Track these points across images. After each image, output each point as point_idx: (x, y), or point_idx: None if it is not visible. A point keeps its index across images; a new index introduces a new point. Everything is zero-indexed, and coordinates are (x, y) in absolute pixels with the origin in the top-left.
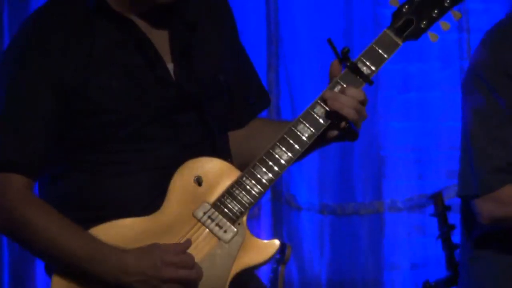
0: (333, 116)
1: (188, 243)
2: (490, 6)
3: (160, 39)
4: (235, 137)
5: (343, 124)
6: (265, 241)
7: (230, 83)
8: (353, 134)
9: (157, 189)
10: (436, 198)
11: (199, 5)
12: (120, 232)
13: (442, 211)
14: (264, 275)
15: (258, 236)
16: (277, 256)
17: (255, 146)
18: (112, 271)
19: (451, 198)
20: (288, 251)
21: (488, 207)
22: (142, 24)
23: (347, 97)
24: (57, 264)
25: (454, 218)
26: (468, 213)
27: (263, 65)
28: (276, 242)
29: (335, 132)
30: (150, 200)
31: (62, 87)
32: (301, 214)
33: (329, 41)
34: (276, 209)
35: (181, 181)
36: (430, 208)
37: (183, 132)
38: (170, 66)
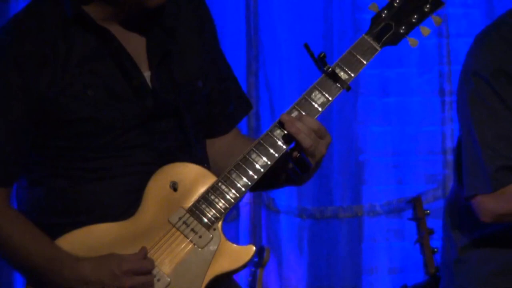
0: (289, 140)
1: (144, 250)
2: (469, 11)
3: (138, 46)
4: (215, 148)
5: (295, 153)
6: (241, 246)
7: (209, 89)
8: (305, 165)
9: (134, 195)
10: (415, 202)
11: (179, 12)
12: (95, 237)
13: (420, 216)
14: (242, 278)
15: (237, 238)
16: (256, 259)
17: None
18: (70, 280)
19: (430, 202)
20: (266, 254)
21: (491, 204)
22: (120, 32)
23: (302, 124)
24: (23, 273)
25: (432, 222)
26: (456, 216)
27: (242, 70)
28: (252, 248)
29: (287, 166)
30: (127, 205)
31: (37, 97)
32: (280, 218)
33: (306, 46)
34: (255, 212)
35: (156, 186)
36: (409, 213)
37: (160, 139)
38: (147, 74)
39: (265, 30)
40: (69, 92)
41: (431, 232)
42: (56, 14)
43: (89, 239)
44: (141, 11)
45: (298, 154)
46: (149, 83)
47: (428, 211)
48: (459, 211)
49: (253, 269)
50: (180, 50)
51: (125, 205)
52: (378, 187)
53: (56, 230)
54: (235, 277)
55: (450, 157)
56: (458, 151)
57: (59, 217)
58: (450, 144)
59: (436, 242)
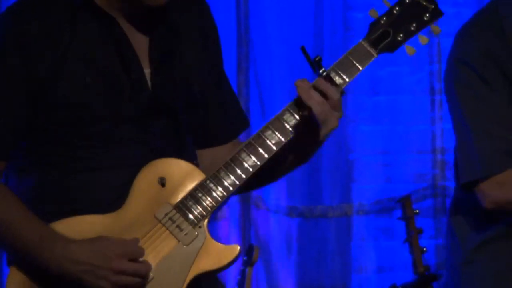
0: (304, 117)
1: (137, 240)
2: (460, 10)
3: (141, 42)
4: (214, 158)
5: (305, 112)
6: (226, 245)
7: (206, 97)
8: (315, 132)
9: (121, 188)
10: (404, 201)
11: (188, 14)
12: (81, 228)
13: (410, 215)
14: (231, 277)
15: (226, 237)
16: (245, 258)
17: None
18: (59, 259)
19: (419, 201)
20: (255, 253)
21: (491, 191)
22: (125, 25)
23: (316, 92)
24: (10, 250)
25: (421, 222)
26: (461, 218)
27: (233, 68)
28: (237, 247)
29: (299, 147)
30: (114, 198)
31: (35, 78)
32: (269, 216)
33: (303, 49)
34: (244, 211)
35: (144, 180)
36: (398, 212)
37: (152, 136)
38: (148, 71)
39: (256, 28)
40: (68, 77)
41: (420, 231)
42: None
43: (75, 229)
44: (141, 8)
45: (309, 115)
46: (148, 81)
47: (417, 211)
48: (464, 211)
49: (242, 267)
50: (182, 53)
51: (112, 198)
52: (367, 186)
53: (44, 219)
54: (224, 275)
55: (439, 156)
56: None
57: (47, 206)
58: (440, 143)
59: (425, 241)
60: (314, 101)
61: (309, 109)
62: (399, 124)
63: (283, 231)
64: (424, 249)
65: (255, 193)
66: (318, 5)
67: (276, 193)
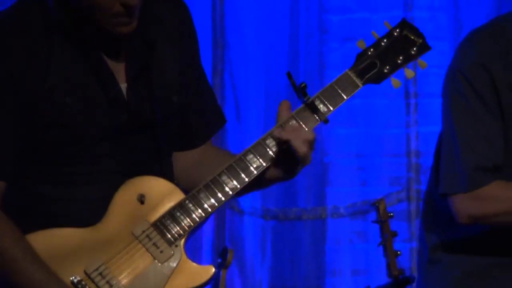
0: (283, 147)
1: None
2: (435, 14)
3: (117, 58)
4: (187, 159)
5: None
6: (201, 266)
7: (184, 104)
8: (292, 171)
9: (99, 203)
10: (379, 204)
11: (161, 24)
12: (57, 241)
13: (384, 218)
14: None
15: (200, 239)
16: (219, 260)
17: (205, 173)
18: None
19: (394, 205)
20: (229, 255)
21: (467, 205)
22: (100, 42)
23: (299, 132)
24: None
25: (396, 225)
26: (430, 217)
27: (208, 70)
28: (212, 269)
29: (275, 172)
30: (92, 214)
31: (24, 96)
32: (243, 219)
33: (288, 75)
34: (218, 213)
35: (124, 197)
36: (373, 215)
37: (131, 151)
38: (124, 86)
39: (232, 30)
40: (48, 97)
41: (394, 234)
42: (40, 16)
43: (51, 242)
44: (112, 37)
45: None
46: (125, 96)
47: (391, 214)
48: (433, 212)
49: (216, 270)
50: (159, 64)
51: (90, 213)
52: (342, 189)
53: (22, 230)
54: None
55: (414, 160)
56: (438, 148)
57: (25, 218)
58: (415, 146)
59: (399, 244)
60: (298, 142)
61: (289, 144)
62: (374, 127)
63: (257, 234)
64: (399, 252)
65: None
66: (293, 8)
67: (251, 195)
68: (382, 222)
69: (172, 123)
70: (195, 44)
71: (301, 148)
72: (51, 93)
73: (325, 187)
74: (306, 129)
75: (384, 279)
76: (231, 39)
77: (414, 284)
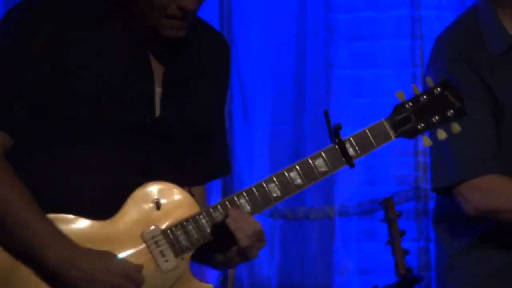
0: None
1: (141, 266)
2: (442, 13)
3: (158, 67)
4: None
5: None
6: (201, 283)
7: (204, 134)
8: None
9: (102, 192)
10: (387, 203)
11: (208, 51)
12: (66, 227)
13: (392, 217)
14: (213, 277)
15: None
16: None
17: None
18: (61, 259)
19: (402, 203)
20: None
21: (473, 197)
22: (147, 40)
23: (245, 222)
24: (7, 237)
25: (404, 224)
26: (445, 223)
27: None
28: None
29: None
30: (93, 201)
31: (60, 66)
32: None
33: (326, 114)
34: None
35: (141, 198)
36: (380, 214)
37: (145, 151)
38: (158, 91)
39: (239, 29)
40: (81, 75)
41: (402, 233)
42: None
43: (61, 227)
44: (155, 38)
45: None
46: (157, 100)
47: (399, 213)
48: (446, 219)
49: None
50: (195, 82)
51: (91, 200)
52: (350, 188)
53: None
54: (206, 276)
55: (422, 159)
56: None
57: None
58: (422, 145)
59: (407, 243)
60: (242, 232)
61: (234, 236)
62: None
63: (265, 233)
64: (407, 251)
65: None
66: (301, 6)
67: None
68: (390, 221)
69: (189, 144)
70: (228, 81)
71: (244, 240)
72: (85, 71)
73: (333, 186)
74: (253, 220)
75: (392, 278)
76: (238, 37)
77: (422, 284)
